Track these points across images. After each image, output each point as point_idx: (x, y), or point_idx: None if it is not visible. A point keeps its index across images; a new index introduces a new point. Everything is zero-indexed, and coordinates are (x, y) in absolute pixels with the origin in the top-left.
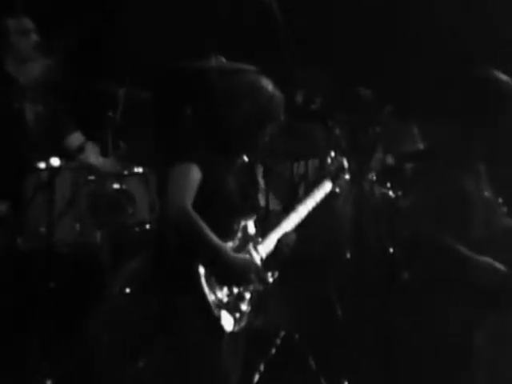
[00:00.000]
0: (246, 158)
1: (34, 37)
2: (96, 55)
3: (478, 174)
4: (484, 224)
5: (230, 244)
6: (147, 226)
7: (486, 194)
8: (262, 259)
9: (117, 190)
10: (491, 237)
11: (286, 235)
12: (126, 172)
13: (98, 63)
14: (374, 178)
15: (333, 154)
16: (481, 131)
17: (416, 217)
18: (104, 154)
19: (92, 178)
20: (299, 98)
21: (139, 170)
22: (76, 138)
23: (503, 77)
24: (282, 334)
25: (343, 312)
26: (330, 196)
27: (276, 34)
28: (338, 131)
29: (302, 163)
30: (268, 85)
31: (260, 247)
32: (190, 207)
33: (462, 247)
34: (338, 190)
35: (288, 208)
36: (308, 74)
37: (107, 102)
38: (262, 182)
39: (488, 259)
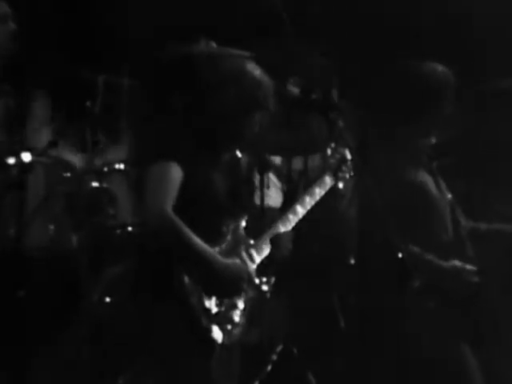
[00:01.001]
0: (238, 154)
1: (12, 25)
2: (72, 39)
3: (434, 172)
4: (450, 226)
5: (217, 249)
6: (130, 229)
7: (446, 193)
8: (255, 264)
9: (96, 188)
10: (457, 240)
11: (282, 237)
12: (106, 168)
13: (75, 48)
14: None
15: (333, 144)
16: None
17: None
18: (82, 148)
19: (68, 175)
20: (298, 87)
21: (121, 166)
22: (46, 133)
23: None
24: (279, 348)
25: (346, 324)
26: (332, 193)
27: (273, 19)
28: (341, 123)
29: (301, 159)
30: (255, 70)
31: (253, 251)
32: (170, 211)
33: (426, 253)
34: (340, 185)
35: (285, 207)
36: (308, 61)
37: (85, 91)
38: (256, 179)
39: (456, 263)
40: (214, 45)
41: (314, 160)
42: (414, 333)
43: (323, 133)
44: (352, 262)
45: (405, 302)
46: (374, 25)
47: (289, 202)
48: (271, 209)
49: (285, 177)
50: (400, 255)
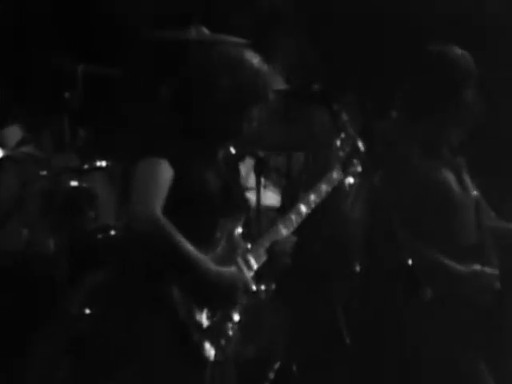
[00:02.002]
0: (232, 150)
1: None
2: (49, 24)
3: (458, 168)
4: (473, 228)
5: (211, 255)
6: (112, 233)
7: (471, 191)
8: (253, 271)
9: (75, 187)
10: (480, 243)
11: (282, 241)
12: (86, 166)
13: (52, 34)
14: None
15: (343, 135)
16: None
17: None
18: (59, 144)
19: (44, 173)
20: (299, 77)
21: (103, 163)
22: (14, 132)
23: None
24: (277, 364)
25: (351, 338)
26: (338, 191)
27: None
28: (345, 116)
29: (302, 155)
30: (253, 58)
31: (250, 256)
32: (159, 214)
33: (444, 257)
34: (351, 180)
35: (284, 208)
36: (310, 49)
37: (63, 82)
38: (253, 177)
39: (477, 269)
40: (205, 31)
41: (316, 156)
42: (426, 348)
43: (326, 127)
44: (357, 268)
45: (416, 314)
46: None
47: (288, 201)
48: (268, 209)
49: (283, 175)
50: (410, 261)
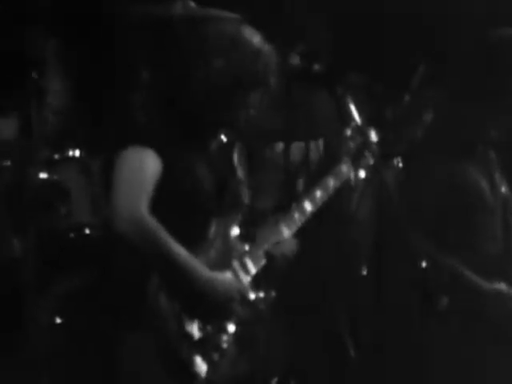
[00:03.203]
0: (223, 139)
1: None
2: None
3: (489, 164)
4: (500, 234)
5: (203, 258)
6: (87, 231)
7: (503, 190)
8: (250, 276)
9: (44, 180)
10: (507, 252)
11: (283, 243)
12: (57, 156)
13: (16, 6)
14: (400, 164)
15: (355, 123)
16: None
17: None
18: (26, 131)
19: (7, 163)
20: (297, 56)
21: (76, 153)
22: None
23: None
24: (275, 380)
25: (357, 352)
26: (344, 187)
27: None
28: (349, 101)
29: (301, 145)
30: (253, 37)
31: (248, 260)
32: (145, 212)
33: (464, 267)
34: (362, 174)
35: (282, 205)
36: (310, 24)
37: (29, 60)
38: (244, 170)
39: (502, 288)
40: (193, 5)
41: (318, 145)
42: (439, 366)
43: (328, 112)
44: (364, 273)
45: (429, 327)
46: None
47: (287, 198)
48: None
49: (282, 168)
50: (425, 266)
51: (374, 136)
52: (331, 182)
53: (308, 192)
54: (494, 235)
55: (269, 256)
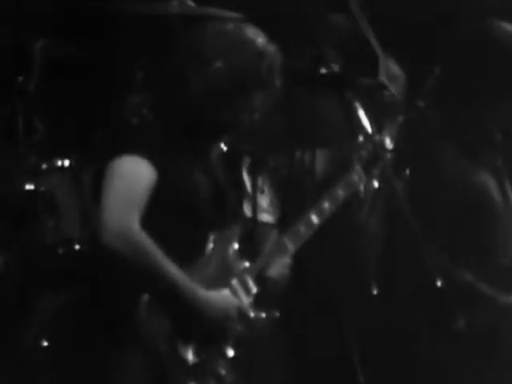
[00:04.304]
0: (223, 147)
1: None
2: None
3: (499, 172)
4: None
5: (199, 275)
6: (76, 246)
7: None
8: (251, 295)
9: (30, 192)
10: None
11: (275, 264)
12: (44, 166)
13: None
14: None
15: (368, 130)
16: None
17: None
18: (11, 139)
19: None
20: (304, 58)
21: (65, 163)
22: None
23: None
24: None
25: (366, 377)
26: (353, 198)
27: None
28: (359, 105)
29: (307, 153)
30: (257, 37)
31: (248, 277)
32: (135, 226)
33: (479, 280)
34: (375, 184)
35: (287, 218)
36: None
37: (16, 62)
38: (247, 180)
39: None
40: (191, 4)
41: (325, 153)
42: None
43: (336, 118)
44: (374, 291)
45: (446, 350)
46: None
47: (291, 209)
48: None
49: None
50: (439, 283)
51: (388, 144)
52: (340, 193)
53: (315, 203)
54: (507, 246)
55: (261, 280)
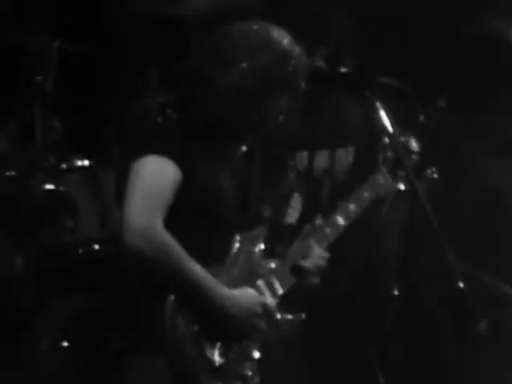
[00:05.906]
0: (244, 147)
1: None
2: None
3: None
4: None
5: (225, 276)
6: (96, 247)
7: None
8: (277, 296)
9: (49, 192)
10: None
11: (312, 255)
12: (63, 166)
13: (21, 4)
14: (435, 175)
15: (393, 130)
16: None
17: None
18: (29, 139)
19: (11, 173)
20: (322, 57)
21: (84, 162)
22: None
23: None
24: None
25: (388, 380)
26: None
27: None
28: (379, 105)
29: (326, 153)
30: (282, 38)
31: (274, 278)
32: (160, 227)
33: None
34: (402, 187)
35: (309, 217)
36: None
37: (34, 62)
38: (271, 181)
39: None
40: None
41: (344, 154)
42: None
43: (356, 118)
44: (396, 293)
45: (467, 352)
46: None
47: (312, 211)
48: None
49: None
50: (462, 286)
51: (413, 145)
52: (366, 195)
53: (340, 205)
54: None
55: (296, 270)
